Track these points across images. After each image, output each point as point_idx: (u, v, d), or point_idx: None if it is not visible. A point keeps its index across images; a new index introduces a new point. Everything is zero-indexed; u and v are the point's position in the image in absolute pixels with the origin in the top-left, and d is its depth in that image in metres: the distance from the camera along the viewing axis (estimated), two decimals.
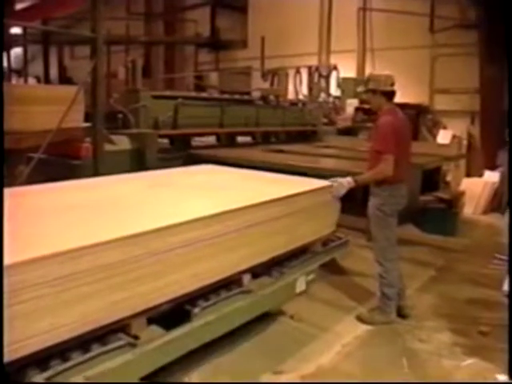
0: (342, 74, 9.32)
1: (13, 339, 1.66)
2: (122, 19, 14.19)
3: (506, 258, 3.91)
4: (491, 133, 9.14)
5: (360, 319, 3.73)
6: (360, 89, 3.71)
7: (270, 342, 3.37)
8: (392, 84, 3.65)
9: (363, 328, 3.63)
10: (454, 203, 6.53)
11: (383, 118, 3.59)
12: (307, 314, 3.81)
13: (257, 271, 2.86)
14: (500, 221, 7.29)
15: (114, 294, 1.98)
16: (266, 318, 3.56)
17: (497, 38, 9.09)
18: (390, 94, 3.63)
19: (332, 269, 4.53)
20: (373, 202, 3.62)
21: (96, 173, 4.15)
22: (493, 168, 8.53)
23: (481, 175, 8.48)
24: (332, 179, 3.46)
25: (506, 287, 4.01)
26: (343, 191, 3.44)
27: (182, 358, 2.81)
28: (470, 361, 3.18)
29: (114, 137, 4.95)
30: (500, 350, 3.23)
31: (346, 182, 3.45)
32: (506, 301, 3.64)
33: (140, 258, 2.05)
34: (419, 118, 10.57)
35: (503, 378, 2.96)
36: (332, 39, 11.45)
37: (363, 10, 11.25)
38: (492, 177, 8.20)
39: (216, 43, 14.80)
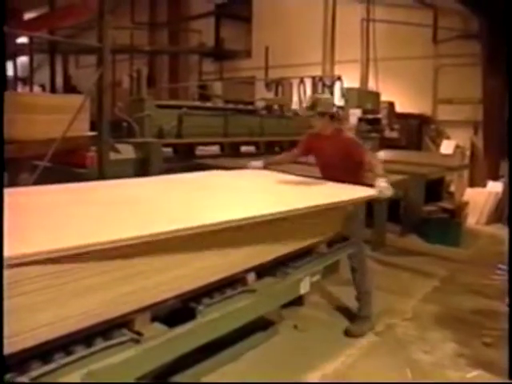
0: (346, 84, 9.37)
1: (17, 330, 1.67)
2: (126, 28, 14.31)
3: (508, 268, 3.90)
4: (494, 143, 9.15)
5: (350, 334, 3.69)
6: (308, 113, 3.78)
7: (274, 351, 3.38)
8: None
9: (367, 338, 3.62)
10: (457, 213, 6.53)
11: (343, 135, 3.77)
12: (311, 324, 3.81)
13: (261, 271, 2.86)
14: (503, 231, 7.29)
15: (118, 287, 1.98)
16: (269, 328, 3.56)
17: (499, 49, 9.13)
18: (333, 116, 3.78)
19: (335, 279, 4.53)
20: None
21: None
22: (496, 178, 8.54)
23: (484, 185, 8.47)
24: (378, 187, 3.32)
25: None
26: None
27: (186, 367, 2.83)
28: (474, 373, 3.17)
29: (118, 145, 4.98)
30: (505, 362, 3.23)
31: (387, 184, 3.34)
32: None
33: (146, 253, 2.05)
34: (422, 128, 10.62)
35: None
36: (336, 49, 11.51)
37: (367, 20, 11.33)
38: (495, 187, 8.20)
39: (220, 53, 14.89)
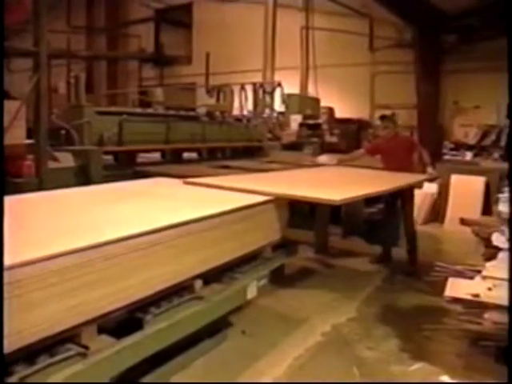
0: (286, 91, 9.51)
1: None
2: (62, 32, 13.85)
3: (448, 265, 4.10)
4: (429, 146, 9.54)
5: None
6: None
7: (223, 358, 3.36)
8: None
9: (314, 340, 3.68)
10: None
11: (402, 136, 6.31)
12: (258, 329, 3.82)
13: (208, 277, 2.85)
14: (439, 230, 7.64)
15: (64, 300, 1.92)
16: (217, 335, 3.54)
17: (430, 57, 9.61)
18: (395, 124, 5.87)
19: (279, 282, 4.57)
20: None
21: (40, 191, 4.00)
22: (431, 180, 8.90)
23: (420, 187, 8.82)
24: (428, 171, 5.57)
25: (447, 293, 4.18)
26: None
27: (135, 377, 2.76)
28: (416, 365, 3.30)
29: (57, 154, 4.80)
30: (445, 353, 3.39)
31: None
32: (448, 306, 3.78)
33: (92, 263, 2.02)
34: (360, 133, 10.94)
35: (446, 378, 3.11)
36: (276, 56, 11.65)
37: (306, 28, 11.57)
38: (431, 188, 8.56)
39: (160, 59, 14.73)
